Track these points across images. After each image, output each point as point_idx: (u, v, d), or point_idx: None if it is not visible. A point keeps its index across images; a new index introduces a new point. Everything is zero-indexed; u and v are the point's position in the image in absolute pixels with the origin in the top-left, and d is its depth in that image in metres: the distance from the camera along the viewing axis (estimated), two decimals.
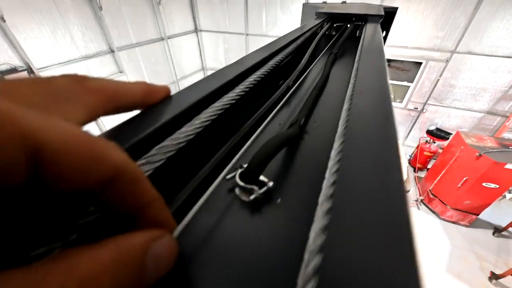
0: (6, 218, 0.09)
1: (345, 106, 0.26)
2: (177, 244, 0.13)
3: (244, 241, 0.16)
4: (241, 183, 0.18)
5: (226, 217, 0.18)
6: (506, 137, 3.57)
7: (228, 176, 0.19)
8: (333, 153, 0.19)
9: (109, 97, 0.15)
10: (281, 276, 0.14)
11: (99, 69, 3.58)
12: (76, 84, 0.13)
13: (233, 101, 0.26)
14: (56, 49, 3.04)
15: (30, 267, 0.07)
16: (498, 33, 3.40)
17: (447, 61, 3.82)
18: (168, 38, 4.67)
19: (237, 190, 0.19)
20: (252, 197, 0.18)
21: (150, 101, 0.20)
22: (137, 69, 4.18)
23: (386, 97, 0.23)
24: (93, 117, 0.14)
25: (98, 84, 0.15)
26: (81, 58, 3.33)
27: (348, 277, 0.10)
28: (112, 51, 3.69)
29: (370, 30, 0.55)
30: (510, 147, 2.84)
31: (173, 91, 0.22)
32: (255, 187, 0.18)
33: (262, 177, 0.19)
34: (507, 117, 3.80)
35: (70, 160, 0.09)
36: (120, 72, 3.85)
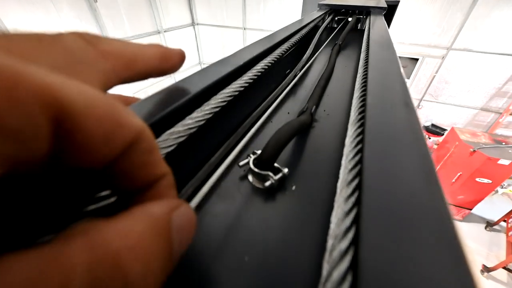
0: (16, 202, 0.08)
1: (356, 94, 0.25)
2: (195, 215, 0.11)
3: (261, 229, 0.15)
4: (256, 170, 0.17)
5: (241, 205, 0.17)
6: (500, 133, 3.62)
7: (242, 163, 0.19)
8: (348, 140, 0.19)
9: (126, 63, 0.13)
10: (302, 263, 0.14)
11: None
12: (89, 45, 0.11)
13: (242, 88, 0.26)
14: None
15: (44, 246, 0.06)
16: (494, 30, 3.42)
17: (443, 57, 3.84)
18: (165, 31, 4.59)
19: (250, 177, 0.19)
20: (267, 183, 0.17)
21: (167, 67, 0.17)
22: None
23: (401, 84, 0.22)
24: (107, 87, 0.12)
25: (115, 48, 0.13)
26: None
27: (379, 265, 0.10)
28: None
29: (375, 21, 0.55)
30: (503, 143, 2.88)
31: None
32: (271, 174, 0.17)
33: (276, 164, 0.18)
34: (501, 113, 3.86)
35: (95, 125, 0.07)
36: None
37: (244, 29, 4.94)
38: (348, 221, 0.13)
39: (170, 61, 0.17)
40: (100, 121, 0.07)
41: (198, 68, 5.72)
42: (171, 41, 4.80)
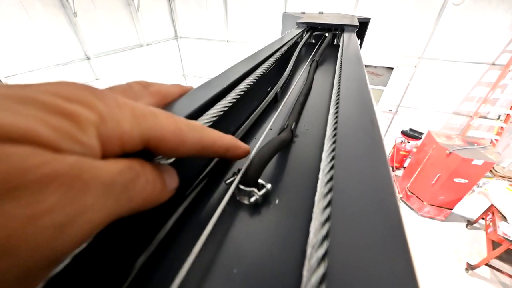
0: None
1: (331, 111, 0.28)
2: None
3: (248, 242, 0.17)
4: (242, 187, 0.19)
5: (228, 219, 0.18)
6: (471, 135, 3.88)
7: (228, 181, 0.20)
8: (324, 154, 0.21)
9: (162, 97, 0.21)
10: (286, 271, 0.15)
11: (74, 76, 3.42)
12: (144, 88, 0.19)
13: (226, 108, 0.27)
14: (26, 56, 2.86)
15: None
16: (458, 41, 3.74)
17: (415, 66, 4.11)
18: (148, 44, 4.59)
19: (236, 194, 0.20)
20: (252, 199, 0.18)
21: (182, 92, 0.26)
22: (114, 76, 4.04)
23: (368, 101, 0.25)
24: None
25: (157, 88, 0.20)
26: (54, 65, 3.17)
27: (350, 268, 0.12)
28: (88, 58, 3.54)
29: (347, 39, 0.59)
30: (476, 145, 3.09)
31: None
32: (255, 190, 0.19)
33: (260, 180, 0.20)
34: (471, 116, 4.15)
35: (164, 146, 0.13)
36: (96, 80, 3.70)
37: (227, 41, 5.04)
38: (324, 230, 0.14)
39: (185, 94, 0.26)
40: (169, 142, 0.14)
41: (183, 80, 5.72)
42: (154, 54, 4.80)
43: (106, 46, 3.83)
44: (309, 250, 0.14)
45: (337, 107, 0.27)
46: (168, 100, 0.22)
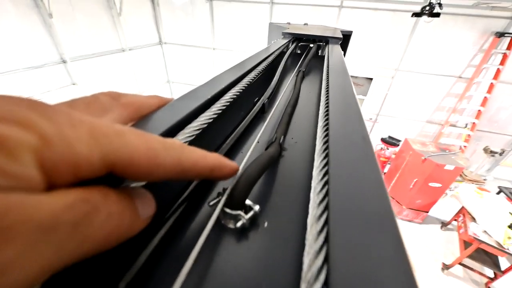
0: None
1: (320, 123, 0.27)
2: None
3: (235, 274, 0.15)
4: (227, 210, 0.17)
5: (212, 247, 0.16)
6: (443, 142, 4.14)
7: (212, 202, 0.18)
8: (315, 171, 0.20)
9: (135, 109, 0.19)
10: None
11: (48, 80, 3.22)
12: (114, 100, 0.17)
13: (211, 120, 0.25)
14: None
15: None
16: (430, 55, 4.03)
17: (392, 77, 4.35)
18: (130, 49, 4.46)
19: (221, 217, 0.18)
20: (239, 224, 0.17)
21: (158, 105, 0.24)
22: (94, 81, 3.86)
23: (357, 112, 0.24)
24: (124, 124, 0.17)
25: (129, 100, 0.18)
26: (25, 68, 2.96)
27: None
28: (64, 62, 3.36)
29: (332, 50, 0.60)
30: (447, 151, 3.29)
31: None
32: (242, 213, 0.17)
33: (247, 201, 0.18)
34: (442, 125, 4.45)
35: (133, 171, 0.11)
36: (73, 84, 3.51)
37: (214, 49, 5.04)
38: (320, 261, 0.13)
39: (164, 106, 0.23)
40: (140, 166, 0.11)
41: (166, 87, 5.60)
42: (137, 60, 4.67)
43: (84, 50, 3.66)
44: (303, 286, 0.12)
45: (326, 120, 0.26)
46: (143, 113, 0.20)
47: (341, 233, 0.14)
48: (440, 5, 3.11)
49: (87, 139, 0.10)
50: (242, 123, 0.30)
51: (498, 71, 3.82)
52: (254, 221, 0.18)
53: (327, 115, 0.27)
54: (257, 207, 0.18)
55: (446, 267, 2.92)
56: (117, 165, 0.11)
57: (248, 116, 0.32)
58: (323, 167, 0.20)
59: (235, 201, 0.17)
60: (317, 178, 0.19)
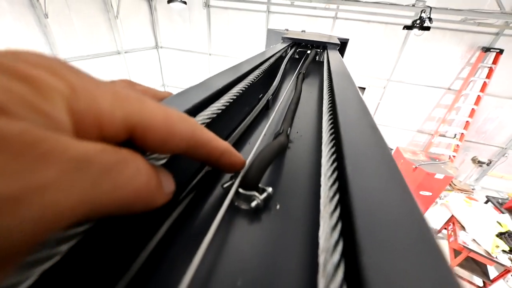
0: None
1: (325, 117, 0.28)
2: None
3: (251, 251, 0.15)
4: (241, 190, 0.17)
5: (227, 227, 0.17)
6: (433, 152, 4.25)
7: (225, 185, 0.18)
8: (324, 159, 0.20)
9: (151, 96, 0.19)
10: (297, 280, 0.13)
11: None
12: (130, 86, 0.17)
13: (219, 111, 0.26)
14: None
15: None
16: (420, 67, 4.18)
17: (384, 87, 4.48)
18: (126, 52, 4.45)
19: (234, 199, 0.18)
20: (253, 204, 0.17)
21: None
22: None
23: (364, 108, 0.25)
24: None
25: (143, 89, 0.19)
26: None
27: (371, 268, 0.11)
28: None
29: (332, 54, 0.62)
30: (437, 160, 3.38)
31: None
32: (256, 193, 0.17)
33: (260, 185, 0.19)
34: (432, 135, 4.58)
35: (151, 137, 0.12)
36: None
37: (210, 54, 5.09)
38: (336, 234, 0.13)
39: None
40: (155, 134, 0.12)
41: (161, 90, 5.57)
42: (132, 62, 4.66)
43: (79, 51, 3.64)
44: (322, 256, 0.13)
45: (331, 114, 0.27)
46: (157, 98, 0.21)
47: (361, 210, 0.14)
48: (430, 19, 3.25)
49: (111, 98, 0.11)
50: (248, 117, 0.31)
51: (484, 84, 3.99)
52: (266, 203, 0.18)
53: (331, 109, 0.28)
54: (270, 189, 0.18)
55: None
56: (137, 129, 0.11)
57: (253, 111, 0.33)
58: (332, 154, 0.20)
59: (250, 181, 0.17)
60: (326, 165, 0.19)
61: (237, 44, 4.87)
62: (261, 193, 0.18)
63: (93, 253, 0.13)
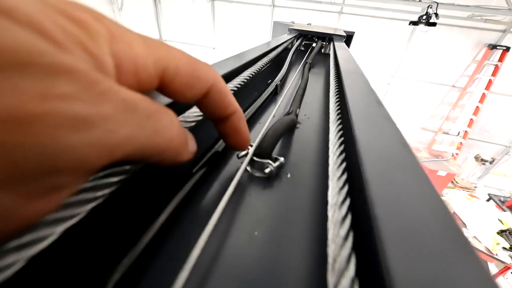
0: None
1: (332, 100, 0.29)
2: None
3: (265, 209, 0.17)
4: (256, 159, 0.19)
5: (242, 189, 0.18)
6: (436, 149, 4.23)
7: (241, 154, 0.20)
8: (332, 134, 0.22)
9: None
10: (309, 228, 0.15)
11: None
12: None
13: (232, 92, 0.27)
14: None
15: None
16: (426, 63, 4.14)
17: (388, 84, 4.44)
18: None
19: (248, 167, 0.20)
20: (267, 170, 0.19)
21: None
22: None
23: (371, 91, 0.27)
24: None
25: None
26: None
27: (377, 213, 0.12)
28: None
29: (339, 45, 0.63)
30: (440, 157, 3.38)
31: None
32: (270, 161, 0.19)
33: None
34: (435, 132, 4.55)
35: (179, 80, 0.12)
36: None
37: (214, 48, 5.06)
38: (344, 192, 0.15)
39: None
40: (184, 76, 0.12)
41: None
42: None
43: None
44: (331, 211, 0.14)
45: (337, 96, 0.29)
46: None
47: (365, 170, 0.15)
48: (436, 15, 3.20)
49: (142, 43, 0.11)
50: (258, 100, 0.32)
51: (490, 82, 3.94)
52: (278, 172, 0.20)
53: (338, 92, 0.30)
54: (282, 159, 0.20)
55: None
56: (166, 73, 0.12)
57: (263, 94, 0.34)
58: (339, 131, 0.22)
59: (264, 150, 0.19)
60: (334, 138, 0.21)
61: (241, 38, 4.83)
62: (274, 162, 0.19)
63: (107, 221, 0.13)
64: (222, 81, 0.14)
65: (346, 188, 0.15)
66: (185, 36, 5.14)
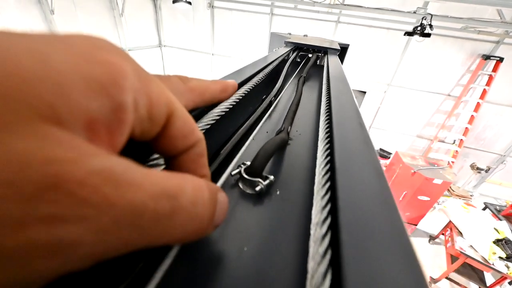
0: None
1: (322, 118, 0.31)
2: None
3: (255, 224, 0.18)
4: (247, 177, 0.20)
5: (233, 204, 0.20)
6: (432, 157, 4.28)
7: (233, 172, 0.21)
8: (319, 153, 0.23)
9: (200, 94, 0.20)
10: (293, 245, 0.16)
11: None
12: (182, 82, 0.18)
13: (227, 109, 0.29)
14: None
15: (165, 172, 0.10)
16: (421, 72, 4.22)
17: (385, 92, 4.52)
18: (129, 50, 4.50)
19: (240, 184, 0.21)
20: (257, 188, 0.20)
21: (224, 97, 0.26)
22: None
23: (356, 111, 0.28)
24: (188, 108, 0.18)
25: (195, 84, 0.19)
26: None
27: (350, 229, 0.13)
28: None
29: (332, 59, 0.65)
30: (436, 165, 3.40)
31: None
32: (260, 180, 0.20)
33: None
34: (431, 140, 4.61)
35: (178, 125, 0.13)
36: None
37: (212, 54, 5.13)
38: (325, 212, 0.16)
39: (227, 92, 0.26)
40: (179, 124, 0.13)
41: None
42: (136, 60, 4.69)
43: None
44: (313, 228, 0.15)
45: (327, 114, 0.30)
46: (205, 97, 0.21)
47: (343, 190, 0.17)
48: (431, 26, 3.29)
49: (157, 84, 0.12)
50: (252, 116, 0.34)
51: (484, 91, 4.02)
52: (268, 189, 0.21)
53: (328, 111, 0.31)
54: (272, 177, 0.21)
55: (433, 281, 2.94)
56: (172, 115, 0.12)
57: (257, 110, 0.36)
58: (326, 149, 0.23)
59: (255, 169, 0.20)
60: (321, 158, 0.22)
61: (239, 45, 4.91)
62: (264, 180, 0.21)
63: None
64: (204, 140, 0.15)
65: (328, 207, 0.17)
66: (185, 42, 5.21)
